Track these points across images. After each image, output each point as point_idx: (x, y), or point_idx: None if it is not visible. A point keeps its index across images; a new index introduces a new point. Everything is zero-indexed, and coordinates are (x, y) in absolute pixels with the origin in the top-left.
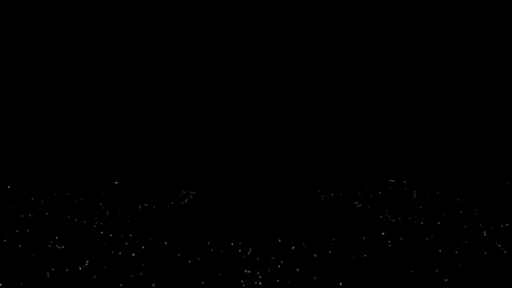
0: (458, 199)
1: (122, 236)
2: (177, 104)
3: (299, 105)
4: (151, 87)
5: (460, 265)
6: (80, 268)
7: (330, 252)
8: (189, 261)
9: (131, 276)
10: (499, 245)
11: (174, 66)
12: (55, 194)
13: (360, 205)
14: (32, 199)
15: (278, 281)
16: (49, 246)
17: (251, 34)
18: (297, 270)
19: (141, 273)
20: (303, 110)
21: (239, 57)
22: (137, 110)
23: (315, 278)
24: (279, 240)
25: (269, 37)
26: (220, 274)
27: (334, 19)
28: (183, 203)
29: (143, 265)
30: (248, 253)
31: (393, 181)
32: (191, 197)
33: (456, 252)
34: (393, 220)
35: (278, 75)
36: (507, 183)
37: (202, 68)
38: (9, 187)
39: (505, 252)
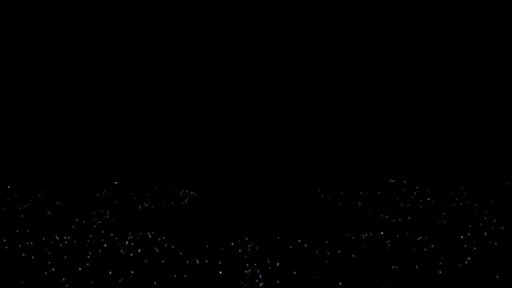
0: (458, 199)
1: (122, 236)
2: (177, 104)
3: (299, 105)
4: (151, 88)
5: (460, 265)
6: (80, 268)
7: (329, 251)
8: (189, 261)
9: (131, 276)
10: (499, 245)
11: (174, 66)
12: (55, 194)
13: (360, 205)
14: (32, 199)
15: (278, 280)
16: (49, 246)
17: (251, 34)
18: (297, 269)
19: (141, 273)
20: (303, 110)
21: (239, 57)
22: (137, 111)
23: (315, 277)
24: (279, 240)
25: (269, 37)
26: (220, 274)
27: (334, 19)
28: (183, 203)
29: (143, 265)
30: (248, 253)
31: (393, 181)
32: (191, 197)
33: (456, 252)
34: (393, 220)
35: (278, 75)
36: (507, 183)
37: (202, 68)
38: (9, 187)
39: (505, 252)
